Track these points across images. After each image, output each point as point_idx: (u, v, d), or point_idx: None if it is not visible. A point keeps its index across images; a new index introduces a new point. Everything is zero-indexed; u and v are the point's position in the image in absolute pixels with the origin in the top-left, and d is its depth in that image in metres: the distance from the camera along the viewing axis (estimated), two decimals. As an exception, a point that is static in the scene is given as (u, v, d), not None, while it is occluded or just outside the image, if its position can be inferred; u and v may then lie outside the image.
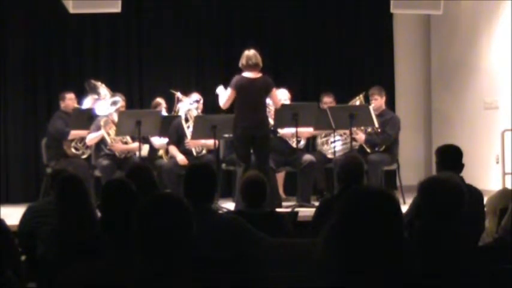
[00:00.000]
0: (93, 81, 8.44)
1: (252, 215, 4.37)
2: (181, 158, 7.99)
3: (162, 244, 2.29)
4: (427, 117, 10.43)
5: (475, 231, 4.44)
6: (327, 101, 8.67)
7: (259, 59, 7.37)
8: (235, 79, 7.39)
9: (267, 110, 8.02)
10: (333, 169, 8.03)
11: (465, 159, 5.03)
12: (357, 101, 8.44)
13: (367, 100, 8.42)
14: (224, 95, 7.44)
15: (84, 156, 8.46)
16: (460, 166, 4.96)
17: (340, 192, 5.07)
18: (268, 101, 7.99)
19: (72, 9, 8.14)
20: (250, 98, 7.34)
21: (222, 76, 8.91)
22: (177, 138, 8.14)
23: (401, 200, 7.65)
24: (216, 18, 9.97)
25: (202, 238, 2.55)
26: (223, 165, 8.55)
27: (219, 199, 7.89)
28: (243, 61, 7.36)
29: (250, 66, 7.33)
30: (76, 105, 8.59)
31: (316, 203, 6.82)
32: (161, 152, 8.43)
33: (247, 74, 7.36)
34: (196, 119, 7.96)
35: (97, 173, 8.14)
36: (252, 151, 7.42)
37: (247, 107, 7.33)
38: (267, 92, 7.46)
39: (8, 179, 9.42)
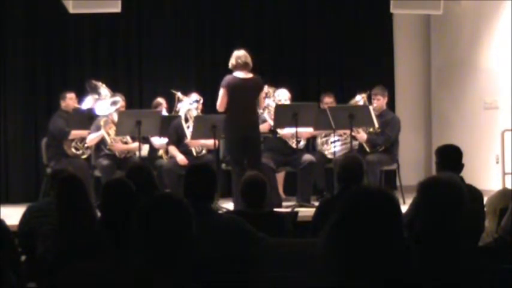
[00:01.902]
0: (94, 82, 8.44)
1: (252, 215, 4.37)
2: (181, 158, 7.98)
3: (162, 244, 2.29)
4: (427, 117, 10.43)
5: (475, 231, 4.44)
6: (328, 101, 8.67)
7: (249, 59, 7.36)
8: (226, 79, 7.38)
9: (267, 110, 8.03)
10: (333, 169, 8.03)
11: (465, 159, 5.03)
12: (361, 100, 8.41)
13: (370, 100, 8.41)
14: (219, 98, 7.43)
15: (84, 156, 8.47)
16: (460, 166, 4.95)
17: (340, 192, 5.07)
18: (269, 101, 8.00)
19: (72, 9, 8.14)
20: (241, 98, 7.32)
21: (222, 76, 8.90)
22: (177, 138, 8.14)
23: (401, 200, 7.65)
24: (216, 18, 9.96)
25: (202, 238, 2.55)
26: (223, 165, 8.55)
27: (219, 199, 7.89)
28: (232, 61, 7.36)
29: (240, 66, 7.32)
30: (76, 105, 8.60)
31: (316, 203, 6.81)
32: (161, 152, 8.43)
33: (237, 74, 7.35)
34: (196, 119, 7.95)
35: (97, 173, 8.14)
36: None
37: (239, 107, 7.32)
38: (258, 92, 7.45)
39: (8, 179, 9.42)
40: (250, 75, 7.38)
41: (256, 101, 7.53)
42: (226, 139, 7.48)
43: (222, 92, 7.34)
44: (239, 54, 7.35)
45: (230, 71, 7.50)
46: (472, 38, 9.51)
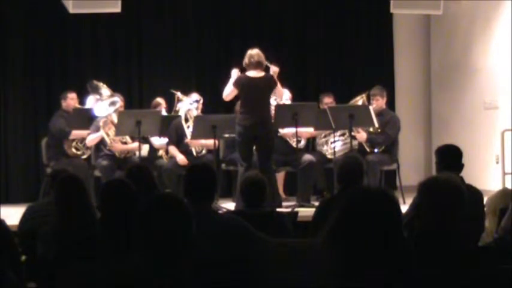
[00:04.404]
0: (95, 82, 8.44)
1: (252, 215, 4.37)
2: (181, 158, 7.98)
3: (162, 244, 2.29)
4: (427, 117, 10.43)
5: (475, 231, 4.44)
6: (327, 101, 8.66)
7: (262, 58, 7.39)
8: (238, 77, 7.43)
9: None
10: (333, 169, 8.03)
11: (465, 159, 5.03)
12: (360, 100, 8.41)
13: (369, 100, 8.42)
14: (228, 88, 7.47)
15: (84, 157, 8.48)
16: (460, 166, 4.95)
17: (340, 192, 5.07)
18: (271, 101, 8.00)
19: (72, 9, 8.14)
20: (253, 97, 7.36)
21: (222, 76, 8.90)
22: (177, 138, 8.14)
23: (401, 200, 7.64)
24: (216, 17, 9.96)
25: (202, 238, 2.55)
26: (223, 165, 8.55)
27: (219, 199, 7.89)
28: (245, 60, 7.40)
29: (253, 65, 7.35)
30: (77, 105, 8.60)
31: (316, 203, 6.82)
32: (161, 152, 8.43)
33: (249, 73, 7.38)
34: (196, 119, 7.96)
35: (97, 173, 8.14)
36: (254, 150, 7.43)
37: (250, 105, 7.35)
38: (270, 90, 7.46)
39: (8, 179, 9.42)
40: (261, 73, 7.40)
41: (268, 99, 7.53)
42: (237, 135, 7.46)
43: (231, 87, 7.42)
44: (252, 53, 7.39)
45: (240, 71, 7.53)
46: (471, 38, 9.51)
